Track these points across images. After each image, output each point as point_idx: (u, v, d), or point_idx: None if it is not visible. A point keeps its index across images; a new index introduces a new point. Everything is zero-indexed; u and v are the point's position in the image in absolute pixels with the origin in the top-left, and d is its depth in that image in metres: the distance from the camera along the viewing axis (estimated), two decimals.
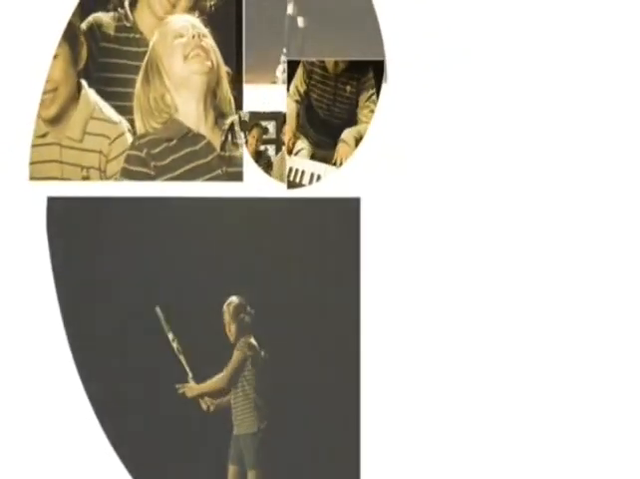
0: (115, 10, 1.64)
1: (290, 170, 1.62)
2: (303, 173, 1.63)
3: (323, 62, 1.58)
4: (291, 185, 1.62)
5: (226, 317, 1.63)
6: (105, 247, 1.64)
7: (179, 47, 1.58)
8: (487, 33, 1.79)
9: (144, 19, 1.63)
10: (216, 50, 1.60)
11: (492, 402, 1.81)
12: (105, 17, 1.64)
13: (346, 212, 1.62)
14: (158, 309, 1.61)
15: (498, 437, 1.82)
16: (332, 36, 1.61)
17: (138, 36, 1.64)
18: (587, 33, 1.89)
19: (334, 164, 1.62)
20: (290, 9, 1.60)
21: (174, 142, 1.60)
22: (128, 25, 1.64)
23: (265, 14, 1.61)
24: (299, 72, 1.58)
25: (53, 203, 1.63)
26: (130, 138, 1.61)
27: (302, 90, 1.58)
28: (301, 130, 1.63)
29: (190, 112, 1.60)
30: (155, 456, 1.65)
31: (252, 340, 1.63)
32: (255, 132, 1.61)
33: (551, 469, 1.89)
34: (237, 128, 1.61)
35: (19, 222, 1.69)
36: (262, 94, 1.64)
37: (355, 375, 1.64)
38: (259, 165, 1.62)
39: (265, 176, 1.63)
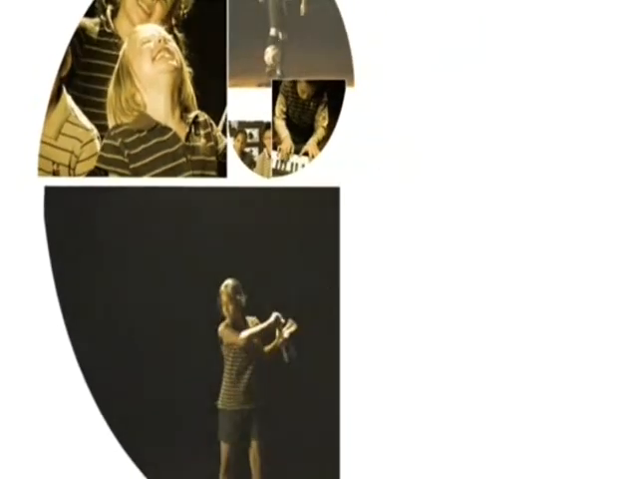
0: (98, 16, 1.82)
1: (277, 162, 1.76)
2: (285, 162, 1.76)
3: (296, 88, 1.73)
4: (276, 172, 1.75)
5: (224, 298, 1.72)
6: (103, 231, 1.77)
7: (147, 51, 1.76)
8: (453, 51, 1.84)
9: (122, 26, 1.81)
10: (179, 52, 1.77)
11: (470, 385, 1.81)
12: (89, 22, 1.82)
13: (327, 200, 1.71)
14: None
15: (478, 423, 1.81)
16: (306, 57, 1.75)
17: (117, 41, 1.81)
18: (561, 46, 1.89)
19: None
20: (273, 31, 1.75)
21: (145, 133, 1.76)
22: (108, 31, 1.82)
23: (249, 34, 1.76)
24: (279, 97, 1.74)
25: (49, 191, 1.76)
26: (98, 144, 1.76)
27: (284, 109, 1.73)
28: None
29: (159, 107, 1.77)
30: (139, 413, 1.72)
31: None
32: (240, 136, 1.75)
33: (534, 468, 1.86)
34: (201, 120, 1.77)
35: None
36: (247, 98, 1.76)
37: (335, 358, 1.70)
38: (244, 163, 1.74)
39: (249, 171, 1.74)
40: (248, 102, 1.77)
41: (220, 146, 1.78)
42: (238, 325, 1.74)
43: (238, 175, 1.77)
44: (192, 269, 1.73)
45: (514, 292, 1.84)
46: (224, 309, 1.73)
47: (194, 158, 1.77)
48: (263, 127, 1.74)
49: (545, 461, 1.89)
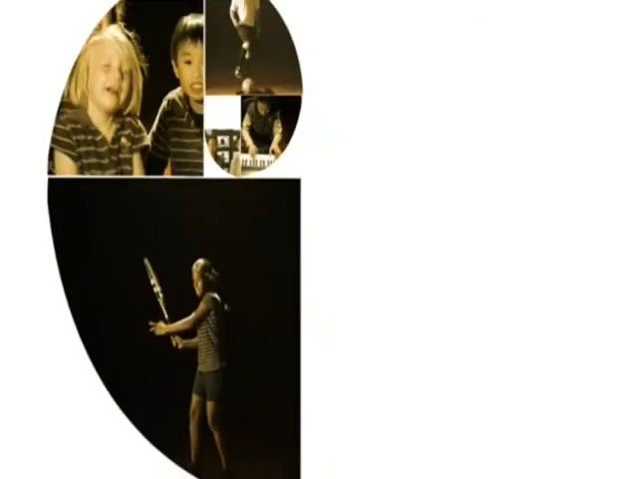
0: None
1: (244, 161, 2.00)
2: (252, 161, 2.01)
3: (257, 107, 1.97)
4: (245, 169, 1.99)
5: (195, 276, 1.97)
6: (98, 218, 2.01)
7: (103, 78, 1.95)
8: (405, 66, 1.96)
9: None
10: (135, 74, 1.97)
11: (428, 370, 1.91)
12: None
13: (289, 190, 1.95)
14: (146, 260, 1.96)
15: (431, 388, 1.90)
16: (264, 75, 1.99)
17: None
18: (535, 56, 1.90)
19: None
20: (245, 45, 1.99)
21: (80, 125, 1.96)
22: None
23: (224, 49, 2.01)
24: (246, 115, 1.97)
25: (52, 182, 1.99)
26: None
27: (249, 124, 1.97)
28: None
29: (96, 117, 1.97)
30: (128, 380, 1.94)
31: (215, 295, 1.97)
32: (212, 142, 1.97)
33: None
34: (127, 121, 1.97)
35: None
36: (221, 106, 1.98)
37: (296, 326, 1.92)
38: (217, 163, 1.99)
39: (221, 170, 1.99)
40: (221, 112, 1.99)
41: (140, 145, 1.98)
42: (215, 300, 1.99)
43: (213, 171, 1.99)
44: (172, 251, 1.98)
45: (476, 278, 1.92)
46: (195, 285, 1.96)
47: (116, 157, 1.98)
48: (233, 135, 1.99)
49: (528, 460, 1.89)
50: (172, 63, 1.97)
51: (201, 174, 1.99)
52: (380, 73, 1.95)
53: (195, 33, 1.94)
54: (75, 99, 1.96)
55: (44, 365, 1.95)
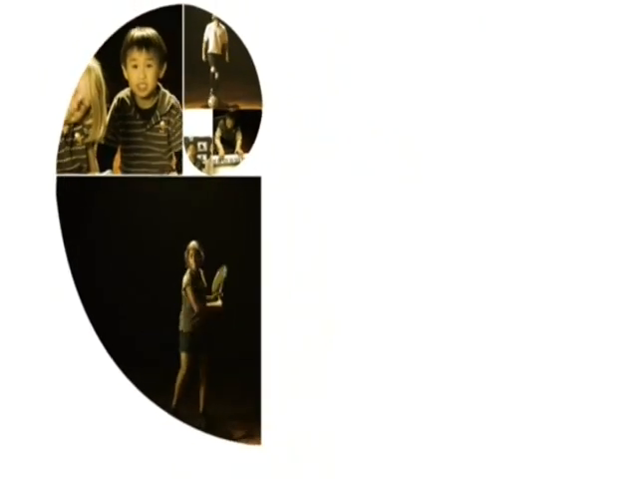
0: None
1: (216, 160, 2.32)
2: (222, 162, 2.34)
3: (225, 122, 2.30)
4: (216, 165, 2.33)
5: (186, 255, 2.30)
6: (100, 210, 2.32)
7: (73, 109, 2.23)
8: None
9: None
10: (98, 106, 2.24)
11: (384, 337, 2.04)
12: None
13: (250, 188, 2.26)
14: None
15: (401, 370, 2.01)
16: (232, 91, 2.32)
17: None
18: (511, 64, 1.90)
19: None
20: (212, 69, 2.33)
21: None
22: None
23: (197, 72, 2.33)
24: (218, 128, 2.30)
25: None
26: None
27: (219, 134, 2.30)
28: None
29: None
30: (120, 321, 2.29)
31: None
32: (192, 147, 2.31)
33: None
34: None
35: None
36: (197, 118, 2.29)
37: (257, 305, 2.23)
38: (195, 166, 2.33)
39: (199, 171, 2.32)
40: (199, 122, 2.30)
41: (86, 140, 2.23)
42: (197, 276, 2.33)
43: (190, 170, 2.30)
44: (166, 235, 2.32)
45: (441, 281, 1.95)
46: (187, 263, 2.30)
47: (72, 149, 2.24)
48: (210, 141, 2.32)
49: (524, 459, 1.89)
50: (122, 67, 2.27)
51: (148, 158, 2.30)
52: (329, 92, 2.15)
53: (140, 43, 2.25)
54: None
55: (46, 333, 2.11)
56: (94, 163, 2.28)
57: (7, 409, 2.10)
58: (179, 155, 2.31)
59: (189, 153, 2.35)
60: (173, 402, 2.25)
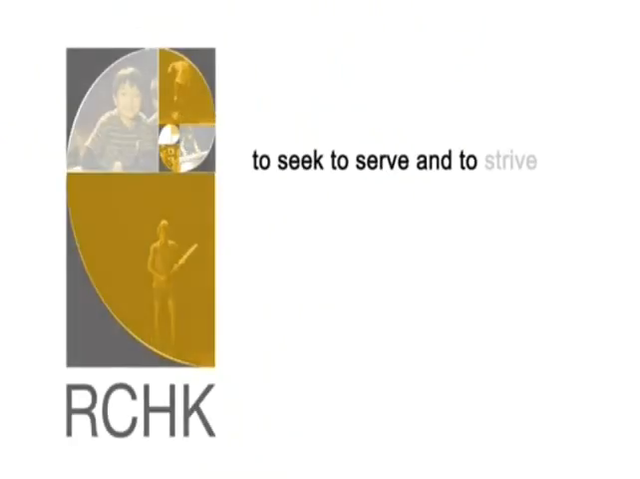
0: None
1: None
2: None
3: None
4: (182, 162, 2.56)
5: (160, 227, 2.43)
6: None
7: None
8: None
9: None
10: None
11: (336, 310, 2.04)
12: None
13: (204, 182, 2.43)
14: None
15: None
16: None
17: None
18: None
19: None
20: (175, 97, 2.58)
21: None
22: None
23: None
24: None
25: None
26: None
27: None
28: None
29: None
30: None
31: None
32: (165, 151, 2.52)
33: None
34: None
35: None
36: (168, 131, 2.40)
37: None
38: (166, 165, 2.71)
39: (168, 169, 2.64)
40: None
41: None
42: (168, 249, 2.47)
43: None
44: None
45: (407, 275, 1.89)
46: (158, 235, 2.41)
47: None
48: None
49: (521, 457, 1.84)
50: (113, 96, 2.47)
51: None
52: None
53: (126, 78, 2.49)
54: None
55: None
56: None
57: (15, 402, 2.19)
58: None
59: (163, 156, 2.59)
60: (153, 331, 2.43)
